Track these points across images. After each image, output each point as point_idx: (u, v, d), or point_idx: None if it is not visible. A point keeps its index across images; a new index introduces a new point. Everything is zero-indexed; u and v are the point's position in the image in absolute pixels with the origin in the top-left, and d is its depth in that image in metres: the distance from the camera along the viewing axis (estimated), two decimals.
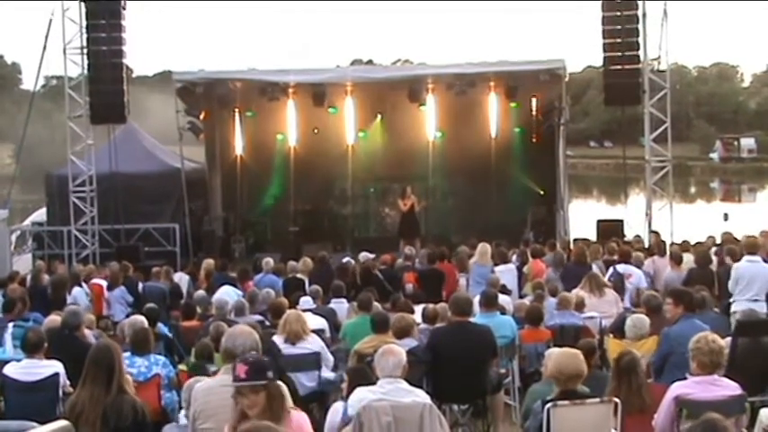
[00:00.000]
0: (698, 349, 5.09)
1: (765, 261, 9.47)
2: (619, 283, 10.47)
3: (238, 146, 20.51)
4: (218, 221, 20.40)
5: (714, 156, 67.19)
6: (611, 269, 11.35)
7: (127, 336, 7.56)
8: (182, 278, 13.52)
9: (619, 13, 16.66)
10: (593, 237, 16.80)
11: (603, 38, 16.82)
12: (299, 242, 18.86)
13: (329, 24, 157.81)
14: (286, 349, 7.32)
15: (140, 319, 8.08)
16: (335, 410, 5.34)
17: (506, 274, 12.01)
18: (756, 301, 8.81)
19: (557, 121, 18.32)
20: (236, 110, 20.00)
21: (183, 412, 5.51)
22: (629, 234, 16.72)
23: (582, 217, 22.25)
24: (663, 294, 8.44)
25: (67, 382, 6.29)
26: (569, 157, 20.85)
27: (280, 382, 4.20)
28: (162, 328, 8.96)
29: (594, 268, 11.15)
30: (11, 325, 8.14)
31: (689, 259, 11.50)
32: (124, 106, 17.42)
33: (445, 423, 5.15)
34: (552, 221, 19.20)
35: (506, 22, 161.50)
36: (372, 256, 13.03)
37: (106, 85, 17.05)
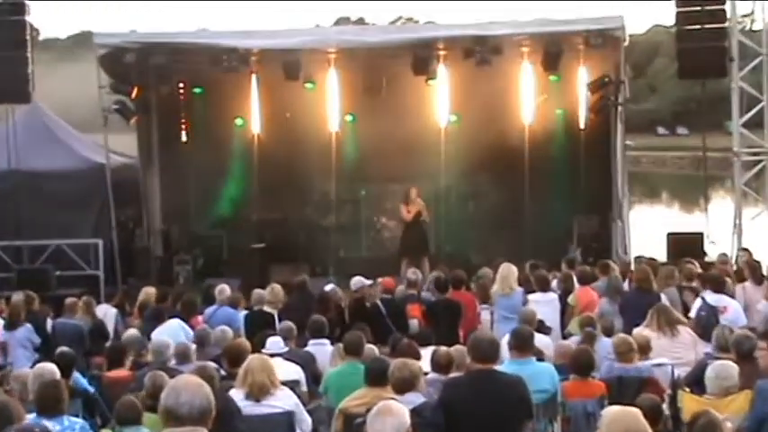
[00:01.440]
0: None
1: None
2: (710, 320, 10.53)
3: (183, 134, 20.69)
4: (156, 236, 20.53)
5: None
6: (698, 300, 11.46)
7: (31, 392, 7.63)
8: (107, 312, 13.63)
9: None
10: (662, 256, 16.93)
11: None
12: (265, 263, 19.01)
13: None
14: (247, 408, 7.39)
15: (49, 368, 8.16)
16: None
17: (545, 305, 12.11)
18: None
19: (613, 101, 18.58)
20: (181, 85, 20.16)
21: None
22: (712, 252, 16.93)
23: (647, 229, 22.41)
24: (757, 335, 8.58)
25: None
26: (630, 149, 20.94)
27: None
28: (79, 379, 9.02)
29: (664, 299, 11.23)
30: None
31: None
32: (27, 80, 17.49)
33: None
34: (606, 235, 19.34)
35: None
36: (367, 282, 13.04)
37: (2, 51, 17.09)
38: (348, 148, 20.66)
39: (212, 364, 8.47)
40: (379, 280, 13.11)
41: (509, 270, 12.54)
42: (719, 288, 11.54)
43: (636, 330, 9.70)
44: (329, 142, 19.78)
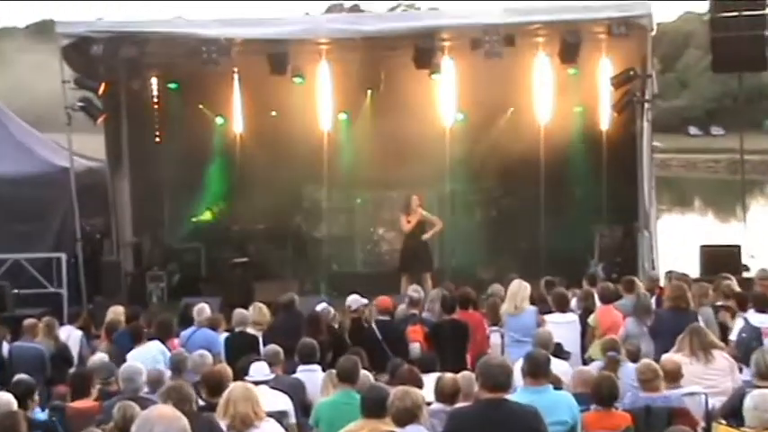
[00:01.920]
0: None
1: None
2: (753, 343, 10.48)
3: (156, 135, 20.85)
4: (127, 249, 20.54)
5: None
6: (739, 321, 11.43)
7: None
8: (71, 335, 13.47)
9: None
10: (694, 271, 17.00)
11: None
12: (248, 280, 19.07)
13: None
14: None
15: (5, 398, 8.15)
16: None
17: (563, 327, 12.16)
18: None
19: (638, 97, 18.54)
20: (154, 80, 20.28)
21: None
22: (752, 266, 16.97)
23: (677, 241, 22.54)
24: None
25: None
26: (658, 151, 21.00)
27: None
28: (38, 412, 8.96)
29: (699, 320, 11.21)
30: None
31: None
32: None
33: None
34: (632, 248, 19.32)
35: None
36: (363, 301, 13.05)
37: None
38: (342, 150, 20.69)
39: (188, 382, 8.43)
40: (378, 299, 13.06)
41: (520, 287, 12.60)
42: (765, 307, 11.52)
43: (665, 356, 9.69)
44: (321, 144, 19.67)
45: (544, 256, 18.66)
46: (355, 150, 20.84)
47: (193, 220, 21.88)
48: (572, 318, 12.65)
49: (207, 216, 21.70)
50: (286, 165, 20.29)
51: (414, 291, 13.81)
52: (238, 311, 12.93)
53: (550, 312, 12.61)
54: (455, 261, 20.12)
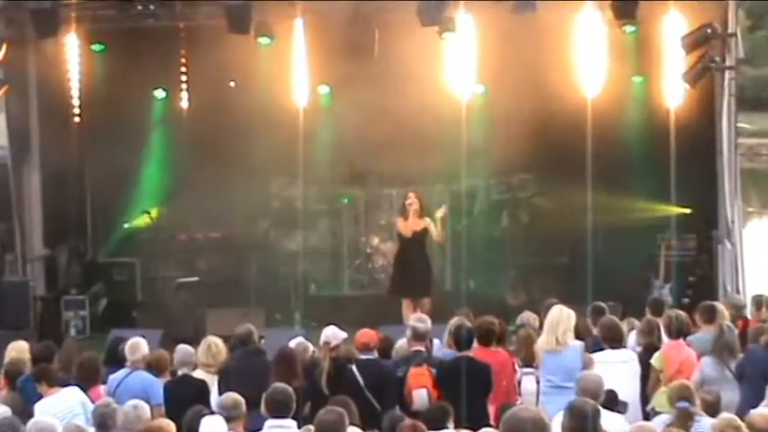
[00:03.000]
0: None
1: None
2: None
3: (76, 112, 20.75)
4: (36, 265, 20.50)
5: None
6: None
7: None
8: None
9: None
10: None
11: None
12: (198, 306, 19.16)
13: None
14: None
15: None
16: None
17: (617, 368, 12.12)
18: None
19: (718, 63, 18.63)
20: (73, 39, 20.11)
21: None
22: None
23: None
24: None
25: None
26: (745, 135, 20.89)
27: None
28: None
29: None
30: None
31: None
32: None
33: None
34: (709, 265, 19.41)
35: None
36: (342, 335, 13.04)
37: None
38: (322, 133, 20.73)
39: None
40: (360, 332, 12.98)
41: (561, 315, 12.42)
42: None
43: (755, 411, 9.51)
44: (295, 125, 19.57)
45: (591, 274, 18.25)
46: (340, 134, 20.83)
47: (125, 226, 21.76)
48: (629, 356, 12.60)
49: (143, 221, 21.56)
50: (249, 152, 20.24)
51: (418, 320, 13.43)
52: (182, 348, 12.86)
53: (601, 350, 12.55)
54: (474, 282, 20.17)
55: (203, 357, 12.88)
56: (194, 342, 13.40)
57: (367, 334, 12.95)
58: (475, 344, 12.64)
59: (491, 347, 12.84)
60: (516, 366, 12.90)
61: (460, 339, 12.71)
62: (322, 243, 21.56)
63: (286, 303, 20.21)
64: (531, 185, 20.81)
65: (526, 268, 19.92)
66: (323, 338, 13.14)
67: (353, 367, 12.36)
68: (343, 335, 13.01)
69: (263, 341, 13.95)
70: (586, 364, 11.96)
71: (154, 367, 12.73)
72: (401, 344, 13.36)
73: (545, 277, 18.82)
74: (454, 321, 13.20)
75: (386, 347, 13.39)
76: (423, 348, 13.07)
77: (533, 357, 12.89)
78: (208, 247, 20.62)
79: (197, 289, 19.74)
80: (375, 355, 12.81)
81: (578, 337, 12.62)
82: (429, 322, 13.55)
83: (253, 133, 20.12)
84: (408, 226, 18.46)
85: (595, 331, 13.33)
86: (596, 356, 12.31)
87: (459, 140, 19.15)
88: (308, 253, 21.20)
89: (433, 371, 12.43)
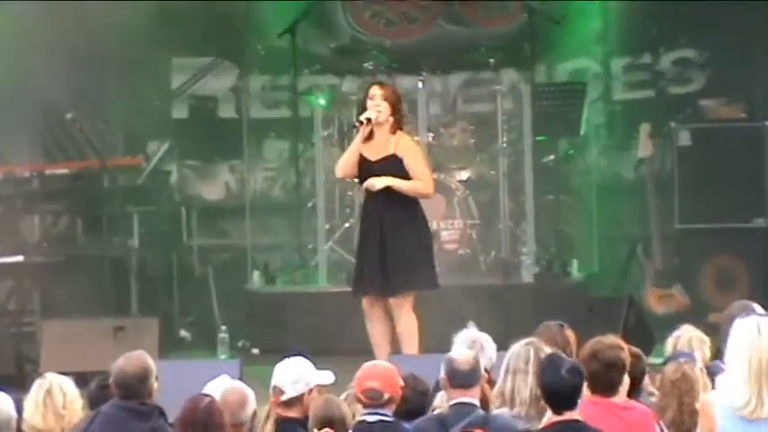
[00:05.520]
0: None
1: None
2: None
3: None
4: None
5: None
6: None
7: None
8: None
9: None
10: None
11: None
12: (24, 316, 16.64)
13: None
14: None
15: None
16: None
17: None
18: None
19: None
20: None
21: None
22: None
23: None
24: None
25: None
26: None
27: None
28: None
29: None
30: None
31: None
32: None
33: None
34: None
35: None
36: (315, 380, 9.60)
37: None
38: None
39: None
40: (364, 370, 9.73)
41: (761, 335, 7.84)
42: None
43: None
44: None
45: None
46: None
47: None
48: None
49: None
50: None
51: (471, 341, 9.71)
52: None
53: None
54: (558, 261, 16.74)
55: (35, 417, 8.96)
56: (18, 385, 11.08)
57: (376, 371, 9.23)
58: (584, 391, 8.23)
59: (612, 396, 8.44)
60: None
61: (551, 389, 8.24)
62: (274, 240, 17.96)
63: (197, 309, 16.65)
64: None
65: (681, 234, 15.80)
66: (274, 382, 9.48)
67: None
68: (325, 376, 9.56)
69: (155, 385, 9.51)
70: None
71: None
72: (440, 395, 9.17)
73: (722, 252, 14.85)
74: (525, 348, 9.06)
75: (413, 396, 9.31)
76: (473, 399, 8.72)
77: (695, 420, 8.61)
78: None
79: (20, 278, 15.53)
80: (390, 410, 8.87)
81: None
82: (489, 347, 9.83)
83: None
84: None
85: None
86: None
87: None
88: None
89: None
